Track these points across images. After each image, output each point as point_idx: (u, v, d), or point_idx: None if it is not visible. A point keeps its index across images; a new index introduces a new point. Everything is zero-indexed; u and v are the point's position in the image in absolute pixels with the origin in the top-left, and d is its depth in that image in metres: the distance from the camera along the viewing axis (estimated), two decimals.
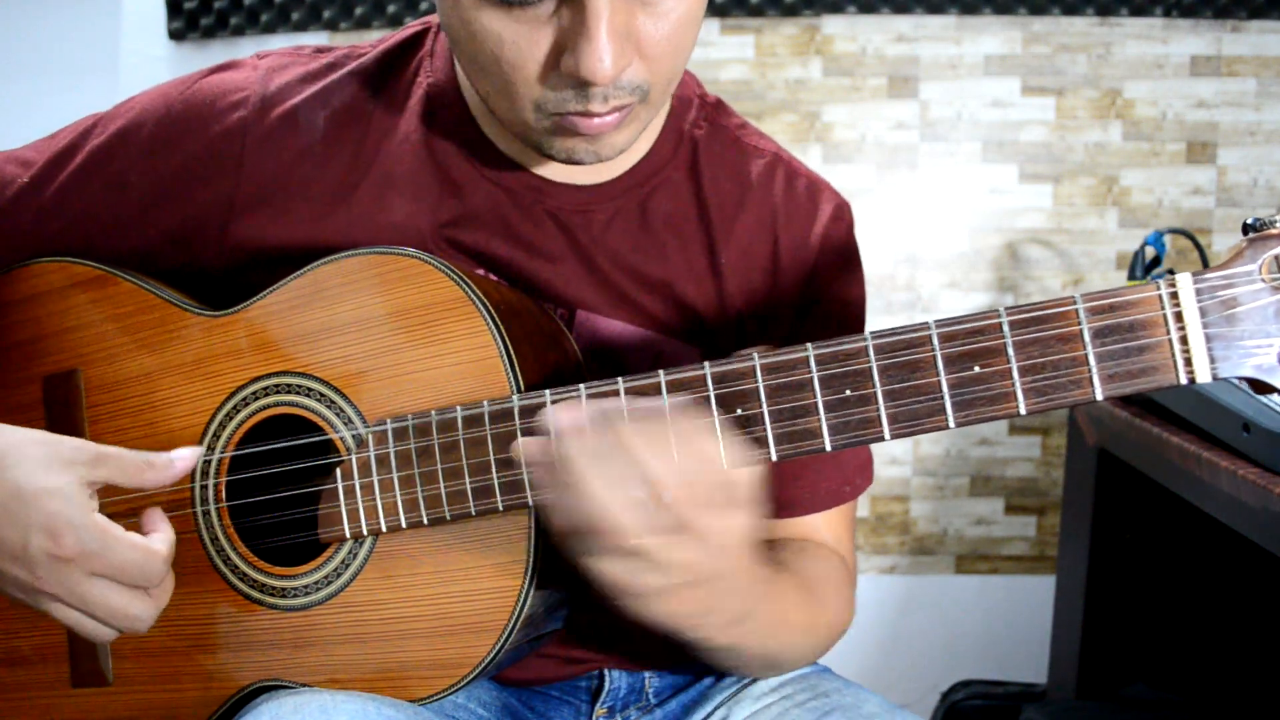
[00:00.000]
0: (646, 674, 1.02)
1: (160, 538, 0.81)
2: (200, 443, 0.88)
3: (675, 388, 0.74)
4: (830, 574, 0.96)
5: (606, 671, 1.01)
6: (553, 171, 0.94)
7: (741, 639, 0.83)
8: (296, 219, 0.92)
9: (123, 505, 0.86)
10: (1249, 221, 0.69)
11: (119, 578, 0.78)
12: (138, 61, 2.24)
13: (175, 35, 2.22)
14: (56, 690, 0.91)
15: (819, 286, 0.99)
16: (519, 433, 0.77)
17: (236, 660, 0.87)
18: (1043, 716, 1.71)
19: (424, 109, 0.94)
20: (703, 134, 0.98)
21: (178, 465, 0.82)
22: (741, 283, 0.97)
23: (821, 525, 1.00)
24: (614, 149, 0.84)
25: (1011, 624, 2.21)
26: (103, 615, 0.79)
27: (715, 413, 0.74)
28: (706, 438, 0.71)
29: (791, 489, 0.98)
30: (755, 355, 0.74)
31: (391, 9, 2.15)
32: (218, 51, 2.22)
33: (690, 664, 1.03)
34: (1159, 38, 2.10)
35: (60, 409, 0.92)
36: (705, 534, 0.70)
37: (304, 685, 0.84)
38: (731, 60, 2.14)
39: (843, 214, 1.01)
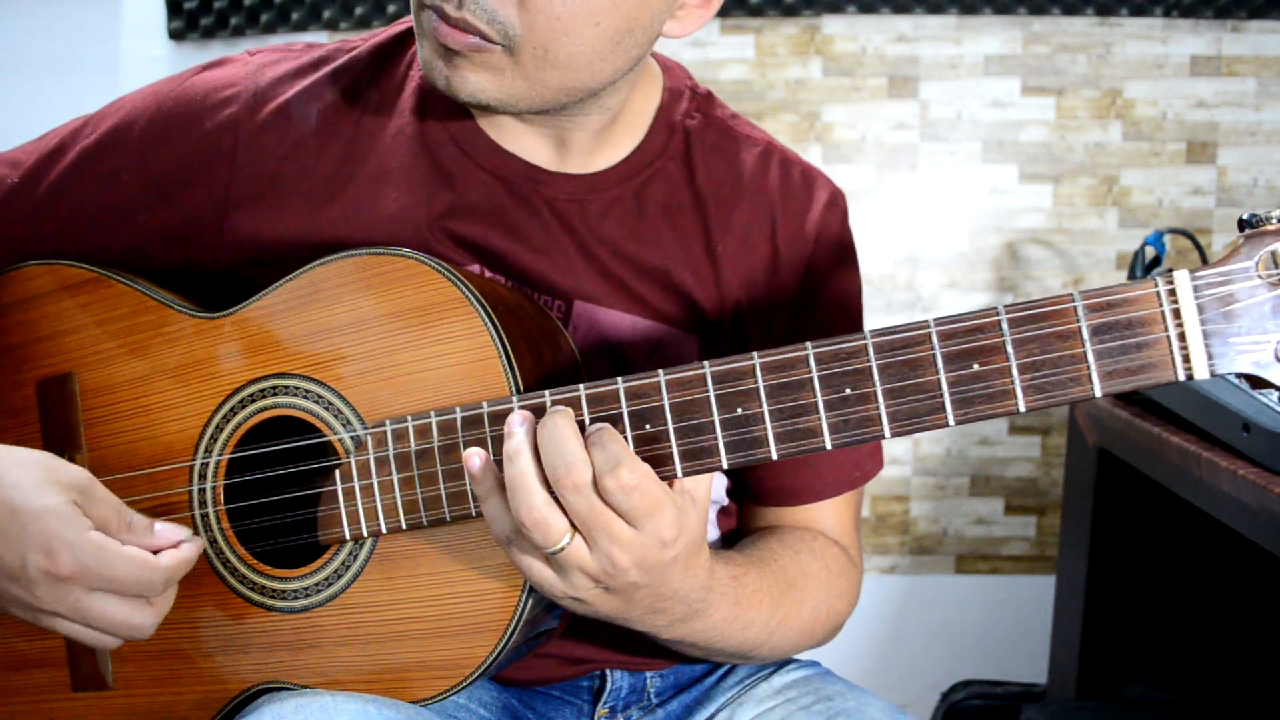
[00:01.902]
0: (648, 674, 1.02)
1: (169, 553, 0.81)
2: (197, 444, 0.88)
3: (675, 386, 0.74)
4: (821, 567, 0.96)
5: (608, 672, 1.01)
6: (548, 161, 0.94)
7: (691, 635, 0.84)
8: (291, 213, 0.92)
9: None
10: (1245, 217, 0.69)
11: (119, 590, 0.79)
12: (138, 61, 2.24)
13: (175, 35, 2.22)
14: (56, 694, 0.91)
15: (816, 273, 1.00)
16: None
17: (236, 663, 0.86)
18: (1043, 716, 1.71)
19: (417, 102, 0.94)
20: (695, 124, 0.99)
21: (156, 540, 0.81)
22: (738, 270, 0.97)
23: (827, 514, 1.01)
24: (465, 87, 0.84)
25: (1011, 624, 2.21)
26: (106, 628, 0.80)
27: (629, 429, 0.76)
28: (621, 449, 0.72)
29: (803, 475, 0.99)
30: (755, 354, 0.74)
31: (391, 9, 2.15)
32: (217, 51, 2.21)
33: (691, 664, 1.03)
34: (1159, 38, 2.10)
35: (55, 413, 0.92)
36: (614, 539, 0.72)
37: (305, 687, 0.84)
38: (731, 60, 2.14)
39: (837, 201, 1.02)
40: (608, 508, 0.72)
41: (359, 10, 2.15)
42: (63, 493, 0.78)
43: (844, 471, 1.00)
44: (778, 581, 0.90)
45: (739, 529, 1.06)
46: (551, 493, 0.72)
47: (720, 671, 1.02)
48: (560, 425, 0.72)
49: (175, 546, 0.82)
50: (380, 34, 0.98)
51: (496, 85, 0.84)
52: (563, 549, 0.72)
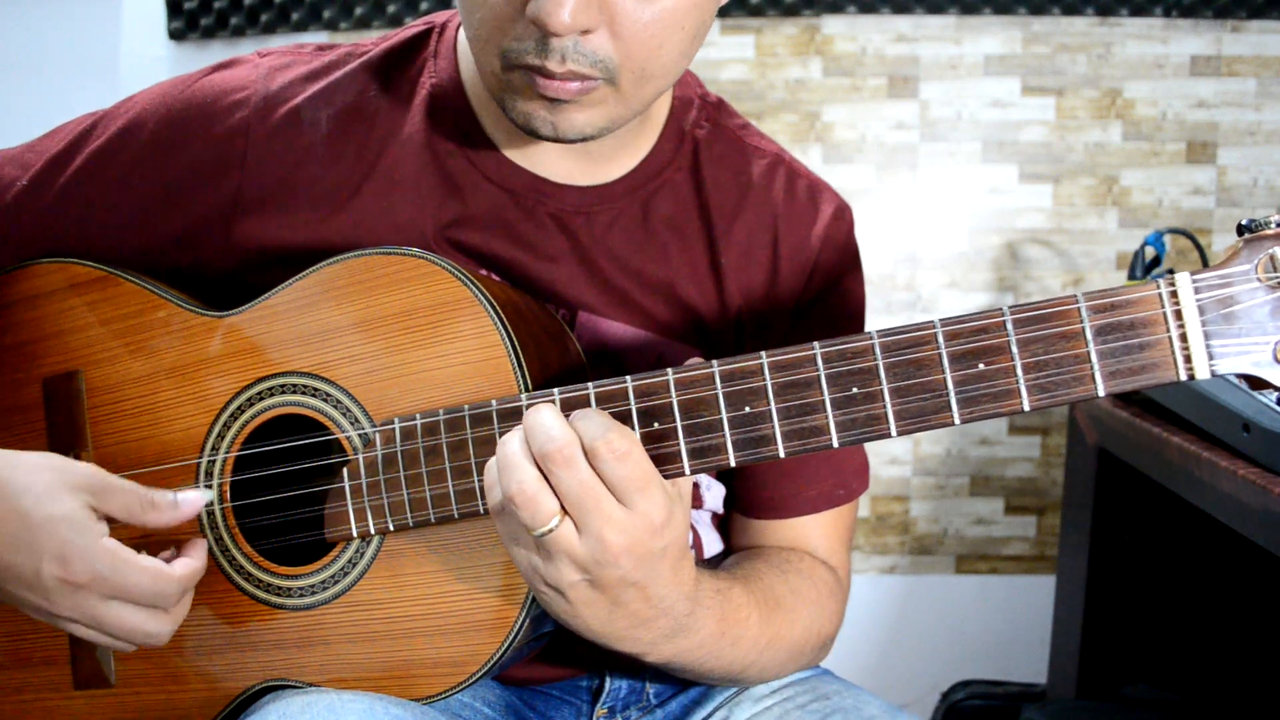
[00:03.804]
0: (646, 675, 1.02)
1: (182, 562, 0.81)
2: (204, 443, 0.88)
3: (683, 385, 0.75)
4: (808, 588, 0.94)
5: (607, 672, 1.01)
6: (555, 173, 0.94)
7: (679, 655, 0.81)
8: (300, 218, 0.92)
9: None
10: (1244, 222, 0.70)
11: (133, 599, 0.79)
12: (138, 61, 2.24)
13: (175, 35, 2.22)
14: (58, 692, 0.91)
15: (819, 288, 0.99)
16: None
17: (241, 660, 0.87)
18: (1043, 716, 1.71)
19: (428, 109, 0.94)
20: (704, 134, 0.98)
21: (183, 509, 0.82)
22: (742, 283, 0.97)
23: (813, 532, 0.99)
24: (574, 128, 0.83)
25: (1011, 624, 2.22)
26: (122, 636, 0.80)
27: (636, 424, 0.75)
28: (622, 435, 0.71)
29: (784, 487, 0.98)
30: (763, 353, 0.74)
31: (391, 9, 2.15)
32: (218, 51, 2.22)
33: None
34: (1159, 38, 2.10)
35: (61, 410, 0.92)
36: (605, 519, 0.71)
37: (310, 685, 0.84)
38: (731, 60, 2.15)
39: (843, 215, 1.02)
40: (599, 483, 0.70)
41: (359, 10, 2.16)
42: (75, 496, 0.78)
43: (826, 488, 0.99)
44: (765, 599, 0.88)
45: (728, 546, 1.04)
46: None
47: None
48: (544, 410, 0.71)
49: (200, 510, 0.82)
50: (392, 38, 0.97)
51: (603, 116, 0.83)
52: (551, 530, 0.71)
